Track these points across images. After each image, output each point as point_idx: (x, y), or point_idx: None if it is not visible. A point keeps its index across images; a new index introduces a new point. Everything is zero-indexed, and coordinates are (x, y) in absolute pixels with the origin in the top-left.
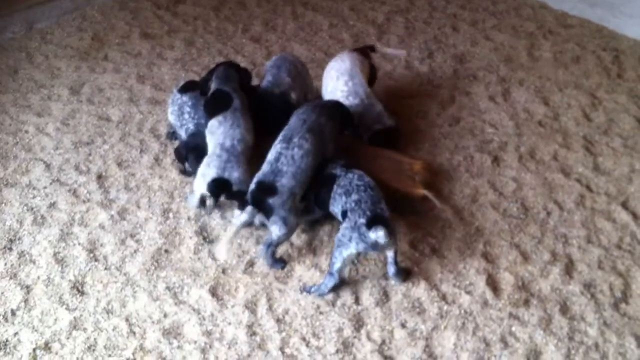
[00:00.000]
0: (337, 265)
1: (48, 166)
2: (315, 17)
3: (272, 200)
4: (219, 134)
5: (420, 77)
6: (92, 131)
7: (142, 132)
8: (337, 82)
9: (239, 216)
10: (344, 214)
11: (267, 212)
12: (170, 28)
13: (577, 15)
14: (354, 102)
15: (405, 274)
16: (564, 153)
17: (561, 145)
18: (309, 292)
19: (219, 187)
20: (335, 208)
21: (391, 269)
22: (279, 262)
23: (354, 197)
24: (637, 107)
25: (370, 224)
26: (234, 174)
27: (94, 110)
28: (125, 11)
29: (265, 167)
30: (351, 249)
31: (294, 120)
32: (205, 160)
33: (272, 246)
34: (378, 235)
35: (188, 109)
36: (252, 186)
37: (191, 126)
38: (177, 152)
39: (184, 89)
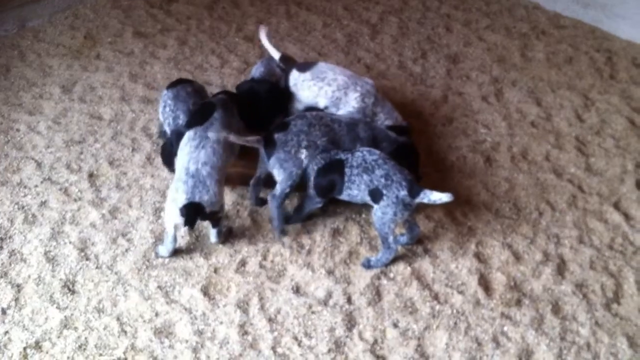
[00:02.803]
0: (391, 237)
1: (39, 165)
2: (309, 16)
3: (277, 135)
4: (184, 153)
5: (413, 77)
6: (83, 130)
7: (134, 130)
8: (347, 97)
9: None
10: (375, 193)
11: (270, 146)
12: (163, 27)
13: (570, 16)
14: (370, 101)
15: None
16: (556, 153)
17: (553, 145)
18: (369, 266)
19: (193, 212)
20: (354, 191)
21: (416, 230)
22: (283, 231)
23: (379, 172)
24: (629, 108)
25: (412, 192)
26: (205, 197)
27: (86, 109)
28: (118, 9)
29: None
30: (397, 220)
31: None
32: (173, 184)
33: (276, 198)
34: (442, 197)
35: (169, 102)
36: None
37: (171, 120)
38: (163, 149)
39: (171, 85)
